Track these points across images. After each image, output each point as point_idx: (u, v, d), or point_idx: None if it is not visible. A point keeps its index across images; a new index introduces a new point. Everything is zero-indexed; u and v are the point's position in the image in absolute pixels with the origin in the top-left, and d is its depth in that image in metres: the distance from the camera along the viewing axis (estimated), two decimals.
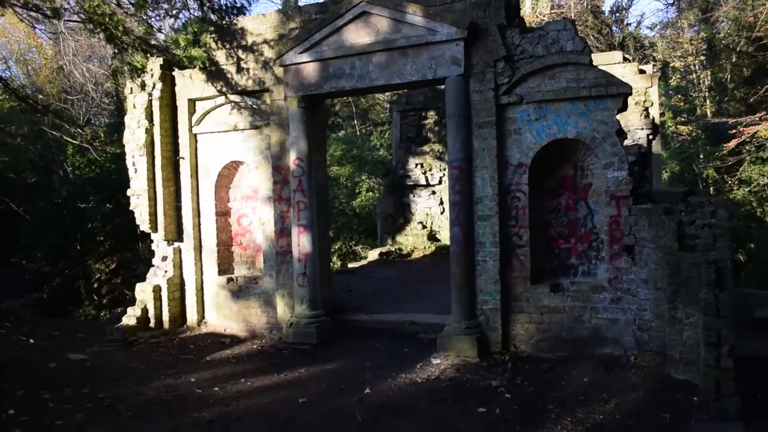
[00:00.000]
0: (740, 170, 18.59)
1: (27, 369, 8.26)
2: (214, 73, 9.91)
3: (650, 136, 13.09)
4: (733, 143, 18.01)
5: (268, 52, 9.55)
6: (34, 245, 19.47)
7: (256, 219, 10.34)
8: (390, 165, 21.76)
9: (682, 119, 23.67)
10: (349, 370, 8.15)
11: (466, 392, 7.24)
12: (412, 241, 15.61)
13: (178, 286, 10.35)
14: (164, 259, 10.35)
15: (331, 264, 11.95)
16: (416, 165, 15.92)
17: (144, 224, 10.23)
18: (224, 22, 10.17)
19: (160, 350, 9.44)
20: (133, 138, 10.12)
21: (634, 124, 12.92)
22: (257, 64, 9.63)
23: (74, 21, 9.08)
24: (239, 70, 9.74)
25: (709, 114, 23.56)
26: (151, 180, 10.14)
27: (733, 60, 22.00)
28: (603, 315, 7.90)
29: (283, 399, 7.27)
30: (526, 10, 22.04)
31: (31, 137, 20.02)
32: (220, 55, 9.90)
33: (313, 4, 9.37)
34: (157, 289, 10.15)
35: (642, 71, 13.47)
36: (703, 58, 22.59)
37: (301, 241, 9.28)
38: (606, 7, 25.74)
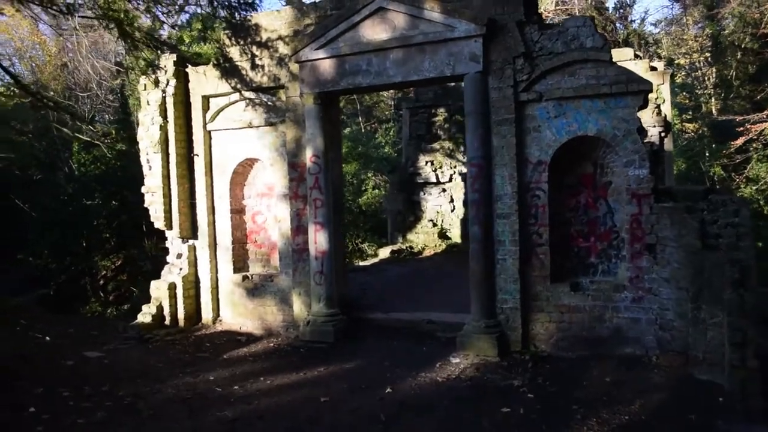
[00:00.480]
0: (747, 168, 18.54)
1: (45, 366, 8.23)
2: (228, 69, 9.85)
3: (662, 134, 13.05)
4: (740, 141, 17.94)
5: (283, 49, 9.49)
6: (40, 242, 19.42)
7: (271, 216, 10.30)
8: (396, 162, 21.73)
9: (688, 117, 23.60)
10: (368, 369, 8.12)
11: (488, 392, 7.20)
12: (422, 239, 15.57)
13: (193, 283, 10.31)
14: (179, 256, 10.30)
15: None
16: (426, 162, 15.86)
17: (159, 221, 10.18)
18: (234, 18, 10.11)
19: (176, 348, 9.40)
20: (147, 135, 10.06)
21: (645, 121, 12.84)
22: (272, 60, 9.57)
23: (88, 17, 8.99)
24: (254, 66, 9.68)
25: (714, 111, 23.50)
26: (166, 177, 10.09)
27: (739, 57, 21.93)
28: (624, 314, 7.86)
29: (304, 398, 7.23)
30: None
31: (37, 134, 19.94)
32: (234, 52, 9.84)
33: (328, 0, 9.28)
34: (172, 287, 10.11)
35: (653, 68, 13.42)
36: (708, 55, 22.52)
37: (318, 239, 9.23)
38: (610, 4, 25.66)
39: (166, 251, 19.92)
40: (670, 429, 6.12)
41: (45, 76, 22.75)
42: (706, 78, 23.68)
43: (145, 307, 10.19)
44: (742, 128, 17.63)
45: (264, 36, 9.63)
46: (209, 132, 10.25)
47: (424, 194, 16.03)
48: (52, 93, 20.52)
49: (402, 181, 16.28)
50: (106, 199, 20.19)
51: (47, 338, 9.64)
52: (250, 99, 9.85)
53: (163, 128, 10.00)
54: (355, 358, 8.56)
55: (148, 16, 9.35)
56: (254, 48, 9.67)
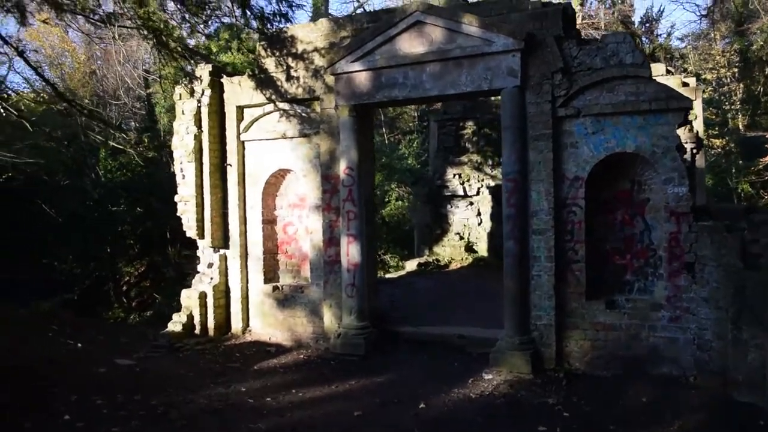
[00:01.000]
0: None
1: (77, 373, 8.26)
2: (263, 80, 9.92)
3: (694, 150, 12.93)
4: None
5: (319, 61, 9.54)
6: (65, 247, 19.62)
7: (302, 228, 10.32)
8: (420, 174, 21.70)
9: (714, 132, 23.38)
10: (400, 383, 8.07)
11: (523, 410, 7.13)
12: (449, 252, 15.51)
13: (223, 293, 10.35)
14: (210, 266, 10.35)
15: None
16: (454, 175, 15.83)
17: (191, 231, 10.24)
18: (266, 29, 10.19)
19: (207, 357, 9.42)
20: (182, 144, 10.15)
21: None
22: (307, 72, 9.63)
23: (126, 27, 9.11)
24: (289, 78, 9.74)
25: (741, 127, 23.27)
26: (199, 186, 10.16)
27: (767, 73, 21.73)
28: (661, 333, 7.76)
29: (337, 411, 7.20)
30: None
31: (65, 140, 20.19)
32: (270, 63, 9.91)
33: (365, 13, 9.35)
34: (202, 296, 10.16)
35: (685, 84, 13.32)
36: (735, 70, 22.34)
37: (350, 251, 9.23)
38: (636, 18, 25.54)
39: (190, 259, 20.07)
40: None
41: (74, 83, 23.05)
42: (733, 93, 23.45)
43: (175, 316, 10.24)
44: None
45: (300, 48, 9.69)
46: (243, 142, 10.31)
47: (451, 207, 15.99)
48: (80, 99, 20.78)
49: (429, 194, 16.25)
50: (131, 205, 20.39)
51: (79, 345, 9.70)
52: (284, 110, 9.90)
53: (198, 138, 10.08)
54: (387, 372, 8.52)
55: (187, 26, 9.43)
56: (290, 59, 9.73)
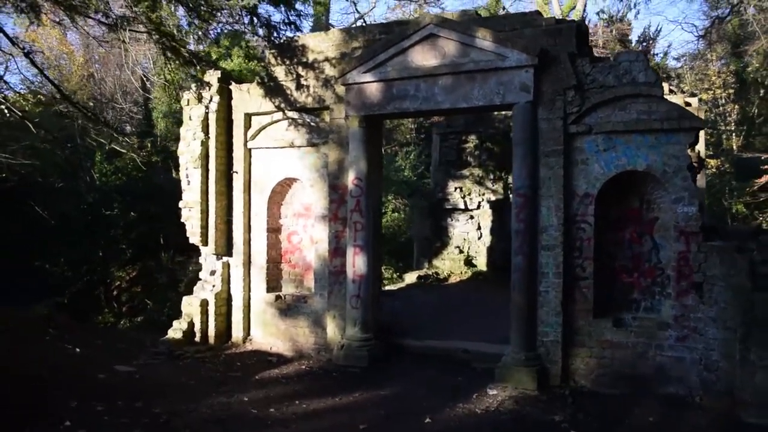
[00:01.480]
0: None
1: (77, 379, 8.14)
2: (272, 88, 9.90)
3: (696, 170, 12.99)
4: (764, 179, 17.94)
5: (329, 70, 9.54)
6: (58, 250, 19.42)
7: (307, 237, 10.28)
8: (417, 186, 21.71)
9: (709, 153, 23.59)
10: (404, 397, 8.01)
11: (529, 426, 7.09)
12: (448, 265, 15.50)
13: (225, 301, 10.27)
14: (212, 273, 10.27)
15: None
16: (455, 189, 15.85)
17: (195, 237, 10.17)
18: (273, 37, 10.18)
19: (207, 366, 9.32)
20: (188, 150, 10.09)
21: None
22: (317, 81, 9.62)
23: (138, 31, 9.07)
24: (299, 86, 9.73)
25: (735, 148, 23.50)
26: (204, 193, 10.10)
27: (762, 94, 21.99)
28: (668, 353, 7.76)
29: (341, 424, 7.14)
30: None
31: (62, 142, 20.05)
32: (279, 71, 9.90)
33: (377, 24, 9.37)
34: (204, 304, 10.07)
35: (687, 104, 13.42)
36: (731, 91, 22.61)
37: (356, 262, 9.18)
38: (634, 36, 25.77)
39: (183, 265, 19.83)
40: None
41: (71, 86, 22.92)
42: (728, 114, 23.69)
43: (175, 323, 10.14)
44: (766, 166, 17.62)
45: (310, 57, 9.69)
46: (249, 150, 10.27)
47: (452, 220, 16.00)
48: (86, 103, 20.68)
49: (429, 207, 16.27)
50: (125, 209, 20.23)
51: (77, 349, 9.58)
52: (293, 119, 9.88)
53: (204, 144, 10.03)
54: (390, 385, 8.45)
55: (197, 33, 9.40)
56: (300, 68, 9.73)
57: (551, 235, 8.21)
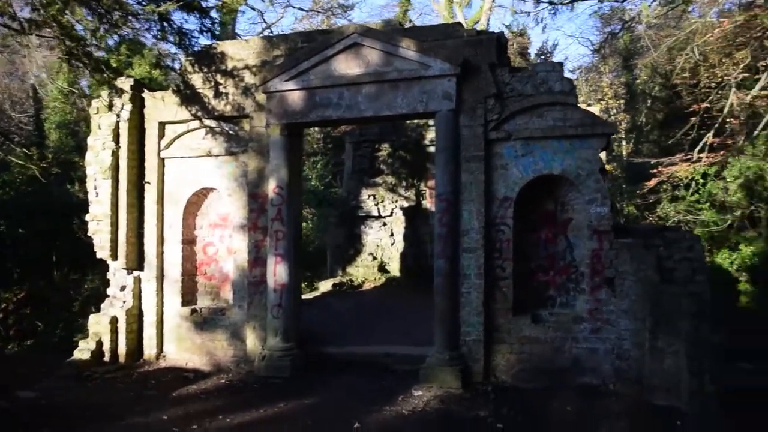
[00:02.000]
0: (659, 208, 19.92)
1: None
2: (188, 96, 9.61)
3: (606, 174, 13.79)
4: (653, 182, 19.28)
5: (250, 78, 9.39)
6: None
7: (224, 248, 10.02)
8: (324, 195, 21.65)
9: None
10: (330, 404, 7.94)
11: (457, 424, 7.23)
12: (362, 272, 15.55)
13: (136, 317, 9.80)
14: (123, 288, 9.77)
15: None
16: (369, 196, 15.96)
17: (103, 251, 9.64)
18: (185, 44, 9.93)
19: (119, 386, 8.84)
20: (97, 160, 9.58)
21: None
22: (237, 89, 9.44)
23: (45, 36, 8.53)
24: (217, 94, 9.50)
25: (625, 154, 25.10)
26: (114, 205, 9.60)
27: (649, 105, 23.65)
28: (583, 345, 8.17)
29: None
30: None
31: None
32: (197, 79, 9.63)
33: (299, 32, 9.35)
34: (113, 321, 9.56)
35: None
36: (622, 101, 24.20)
37: (277, 271, 9.04)
38: (532, 50, 27.03)
39: (79, 282, 18.72)
40: None
41: None
42: (619, 123, 25.29)
43: (82, 343, 9.57)
44: (654, 170, 18.96)
45: (230, 65, 9.50)
46: (163, 159, 9.90)
47: (365, 228, 16.09)
48: None
49: (343, 215, 16.28)
50: (12, 226, 18.86)
51: None
52: (210, 127, 9.63)
53: (115, 154, 9.56)
54: (315, 394, 8.33)
55: (106, 39, 8.97)
56: (218, 76, 9.51)
57: (472, 238, 8.44)
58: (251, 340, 9.34)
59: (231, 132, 9.61)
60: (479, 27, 22.76)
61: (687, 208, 19.19)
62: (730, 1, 20.34)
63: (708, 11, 21.38)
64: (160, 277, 9.87)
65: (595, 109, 14.58)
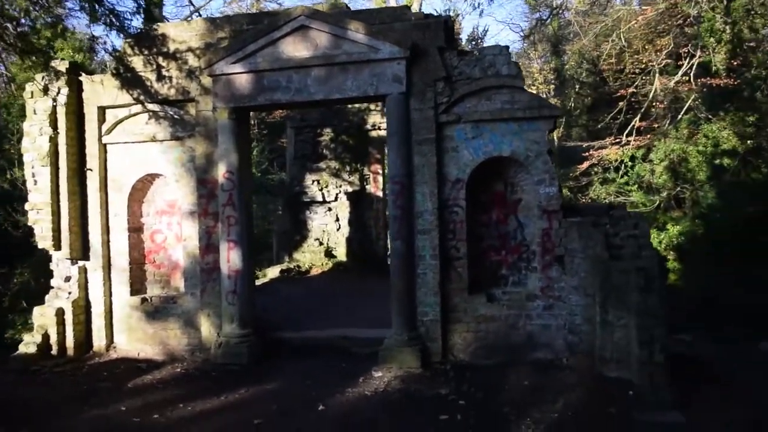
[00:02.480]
0: (591, 190, 20.72)
1: None
2: (129, 79, 9.27)
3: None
4: (585, 165, 20.05)
5: (194, 61, 9.14)
6: None
7: (172, 235, 9.78)
8: (261, 181, 21.36)
9: None
10: (292, 389, 7.95)
11: (420, 402, 7.38)
12: (309, 257, 15.48)
13: (83, 308, 9.45)
14: (67, 279, 9.40)
15: None
16: (313, 182, 15.86)
17: (45, 241, 9.24)
18: (118, 26, 9.61)
19: (70, 379, 8.55)
20: (34, 147, 9.14)
21: None
22: (181, 72, 9.17)
23: None
24: (160, 78, 9.20)
25: (556, 138, 25.90)
26: (55, 193, 9.19)
27: (577, 90, 24.45)
28: (536, 321, 8.46)
29: (235, 422, 6.97)
30: None
31: None
32: (137, 62, 9.29)
33: (244, 14, 9.19)
34: (60, 313, 9.19)
35: None
36: (552, 87, 24.87)
37: (231, 257, 8.92)
38: (464, 36, 27.38)
39: (6, 276, 17.87)
40: (596, 422, 6.72)
41: None
42: None
43: (27, 337, 9.19)
44: (586, 153, 19.69)
45: (172, 47, 9.21)
46: (105, 145, 9.53)
47: (310, 213, 16.00)
48: None
49: (288, 200, 16.13)
50: None
51: None
52: (154, 112, 9.33)
53: (53, 140, 9.14)
54: (274, 379, 8.32)
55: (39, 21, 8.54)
56: (160, 59, 9.20)
57: (427, 220, 8.57)
58: (206, 328, 9.19)
59: (176, 116, 9.35)
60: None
61: (617, 189, 20.06)
62: None
63: None
64: (107, 267, 9.55)
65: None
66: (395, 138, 8.56)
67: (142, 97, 9.28)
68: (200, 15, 22.72)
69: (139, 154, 9.51)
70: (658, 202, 19.33)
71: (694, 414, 6.82)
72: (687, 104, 18.33)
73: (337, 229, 15.82)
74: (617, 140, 19.49)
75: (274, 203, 21.54)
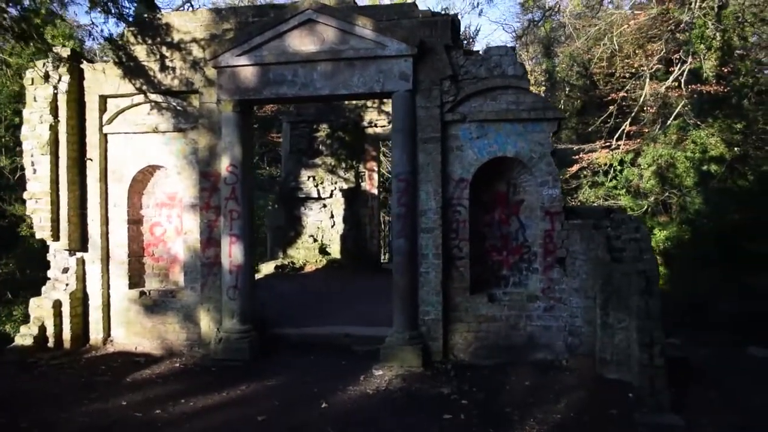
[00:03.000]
0: (580, 192, 20.84)
1: None
2: (132, 69, 9.16)
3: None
4: (575, 168, 20.15)
5: (198, 52, 9.06)
6: None
7: (171, 228, 9.69)
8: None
9: None
10: (293, 385, 7.93)
11: (422, 401, 7.39)
12: (303, 254, 15.41)
13: (80, 300, 9.34)
14: (65, 270, 9.28)
15: None
16: (308, 178, 15.80)
17: (43, 231, 9.11)
18: (116, 14, 9.52)
19: (68, 372, 8.45)
20: (34, 135, 9.00)
21: None
22: (185, 63, 9.08)
23: None
24: (163, 68, 9.11)
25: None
26: (54, 182, 9.06)
27: (567, 92, 24.52)
28: (537, 322, 8.52)
29: (238, 418, 6.94)
30: None
31: None
32: (140, 51, 9.19)
33: (250, 6, 9.12)
34: (57, 305, 9.08)
35: None
36: (543, 88, 24.88)
37: (232, 252, 8.86)
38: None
39: None
40: (598, 423, 6.78)
41: None
42: None
43: (23, 328, 9.07)
44: (576, 156, 19.80)
45: (176, 37, 9.11)
46: (106, 135, 9.41)
47: (305, 209, 15.93)
48: None
49: (282, 196, 16.04)
50: None
51: None
52: (156, 102, 9.23)
53: (54, 128, 9.01)
54: (276, 375, 8.30)
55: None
56: (164, 49, 9.11)
57: (430, 218, 8.58)
58: (205, 323, 9.13)
59: (179, 107, 9.26)
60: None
61: (606, 193, 20.20)
62: None
63: (621, 2, 22.49)
64: (106, 259, 9.45)
65: None
66: (400, 135, 8.56)
67: (144, 87, 9.18)
68: (191, 5, 22.54)
69: (140, 145, 9.40)
70: (645, 207, 19.49)
71: (691, 417, 6.90)
72: (677, 110, 18.50)
73: (332, 226, 15.78)
74: (607, 144, 19.63)
75: (264, 198, 21.40)
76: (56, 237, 9.14)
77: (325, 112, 15.71)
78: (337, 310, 11.31)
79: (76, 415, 6.95)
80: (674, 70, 18.59)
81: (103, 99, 9.39)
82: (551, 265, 8.51)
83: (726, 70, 17.71)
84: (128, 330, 9.44)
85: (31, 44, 9.36)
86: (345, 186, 15.74)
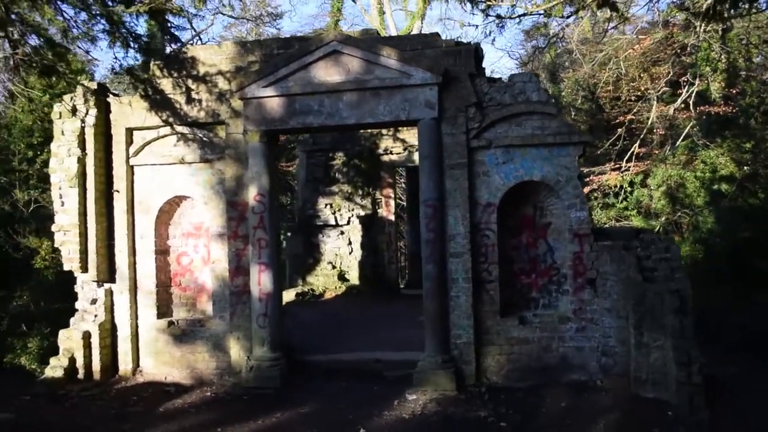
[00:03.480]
0: (592, 214, 20.91)
1: None
2: (158, 101, 9.30)
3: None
4: (585, 190, 20.22)
5: (223, 84, 9.20)
6: None
7: (198, 258, 9.73)
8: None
9: None
10: (327, 412, 7.91)
11: (460, 425, 7.39)
12: (322, 281, 15.47)
13: (109, 331, 9.34)
14: (94, 302, 9.30)
15: None
16: (325, 205, 15.92)
17: (72, 263, 9.15)
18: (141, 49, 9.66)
19: (99, 404, 8.43)
20: (62, 168, 9.09)
21: None
22: (211, 95, 9.22)
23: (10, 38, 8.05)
24: (189, 100, 9.24)
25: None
26: (82, 215, 9.13)
27: (573, 116, 24.76)
28: (569, 343, 8.52)
29: None
30: None
31: None
32: (166, 84, 9.33)
33: (275, 38, 9.30)
34: (86, 336, 9.08)
35: None
36: None
37: (262, 280, 8.89)
38: None
39: (4, 300, 17.61)
40: None
41: None
42: None
43: (53, 360, 9.04)
44: (586, 179, 19.92)
45: (202, 70, 9.27)
46: (132, 167, 9.51)
47: (323, 236, 16.02)
48: None
49: (300, 224, 16.14)
50: None
51: None
52: (182, 134, 9.35)
53: (81, 161, 9.11)
54: (308, 402, 8.27)
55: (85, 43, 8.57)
56: (190, 81, 9.25)
57: (459, 243, 8.64)
58: (235, 351, 9.12)
59: (205, 139, 9.38)
60: None
61: (617, 214, 20.28)
62: (646, 21, 21.84)
63: (623, 28, 22.83)
64: (133, 289, 9.47)
65: None
66: (427, 162, 8.65)
67: (170, 119, 9.30)
68: (200, 39, 22.93)
69: (166, 176, 9.50)
70: (657, 227, 19.54)
71: None
72: (685, 131, 18.67)
73: (350, 253, 15.84)
74: (617, 166, 19.77)
75: (280, 227, 21.50)
76: (84, 268, 9.17)
77: (341, 141, 15.89)
78: (360, 335, 11.32)
79: None
80: (681, 92, 18.78)
81: (130, 131, 9.50)
82: (582, 287, 8.54)
83: (735, 90, 17.92)
84: (157, 360, 9.43)
85: (53, 78, 9.51)
86: (362, 213, 15.85)
